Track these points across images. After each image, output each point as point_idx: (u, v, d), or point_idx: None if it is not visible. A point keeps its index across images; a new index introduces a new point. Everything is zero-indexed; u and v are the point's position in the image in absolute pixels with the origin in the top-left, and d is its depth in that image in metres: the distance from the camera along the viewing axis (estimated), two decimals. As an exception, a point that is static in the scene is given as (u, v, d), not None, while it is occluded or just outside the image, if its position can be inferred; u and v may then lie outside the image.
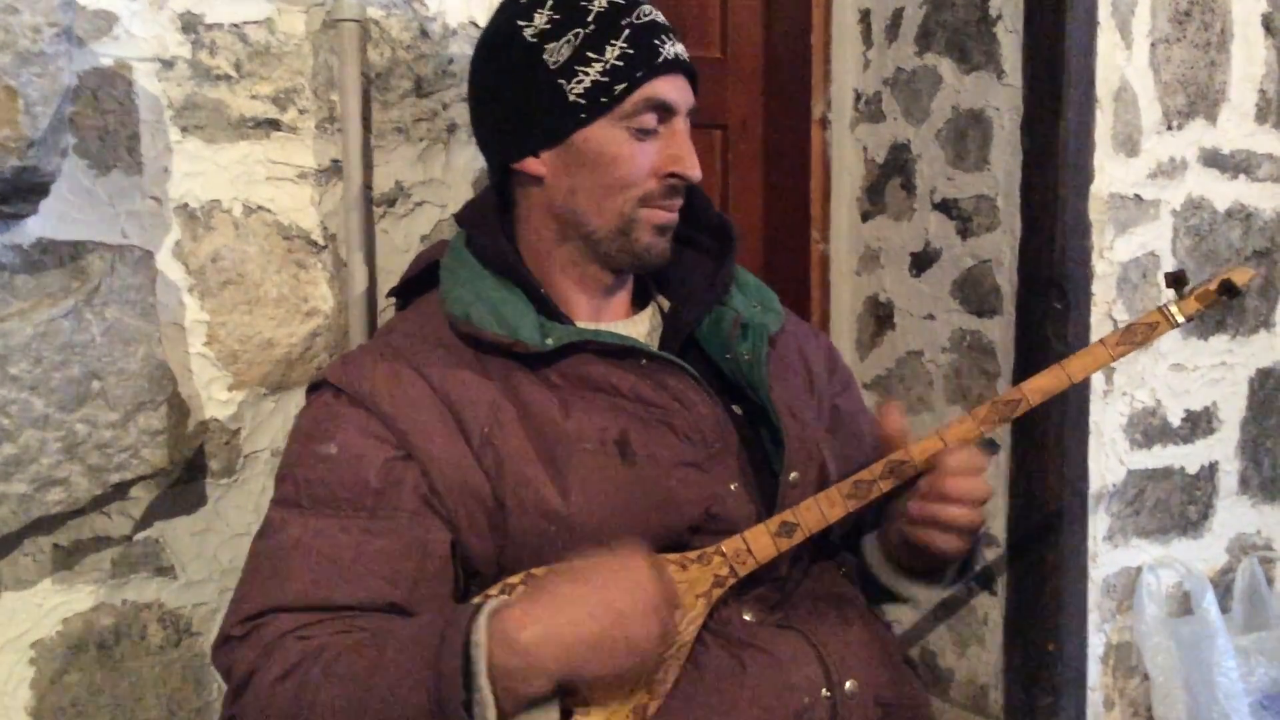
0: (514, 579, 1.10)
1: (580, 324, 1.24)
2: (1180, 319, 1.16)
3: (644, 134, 1.21)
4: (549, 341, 1.16)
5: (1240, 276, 1.15)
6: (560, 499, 1.12)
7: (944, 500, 1.13)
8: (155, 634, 1.42)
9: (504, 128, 1.25)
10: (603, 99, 1.19)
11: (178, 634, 1.43)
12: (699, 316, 1.28)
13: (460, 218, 1.31)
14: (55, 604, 1.36)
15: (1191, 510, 2.19)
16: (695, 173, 1.22)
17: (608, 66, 1.19)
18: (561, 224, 1.24)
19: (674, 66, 1.22)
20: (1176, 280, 1.17)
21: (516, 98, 1.23)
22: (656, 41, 1.21)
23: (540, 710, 0.98)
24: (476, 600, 1.08)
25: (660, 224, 1.23)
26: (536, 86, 1.21)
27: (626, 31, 1.20)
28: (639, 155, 1.20)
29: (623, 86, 1.19)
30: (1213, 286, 1.16)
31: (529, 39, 1.21)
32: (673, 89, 1.22)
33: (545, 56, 1.20)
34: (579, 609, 0.98)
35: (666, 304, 1.33)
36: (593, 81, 1.19)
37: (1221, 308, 2.14)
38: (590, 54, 1.19)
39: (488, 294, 1.20)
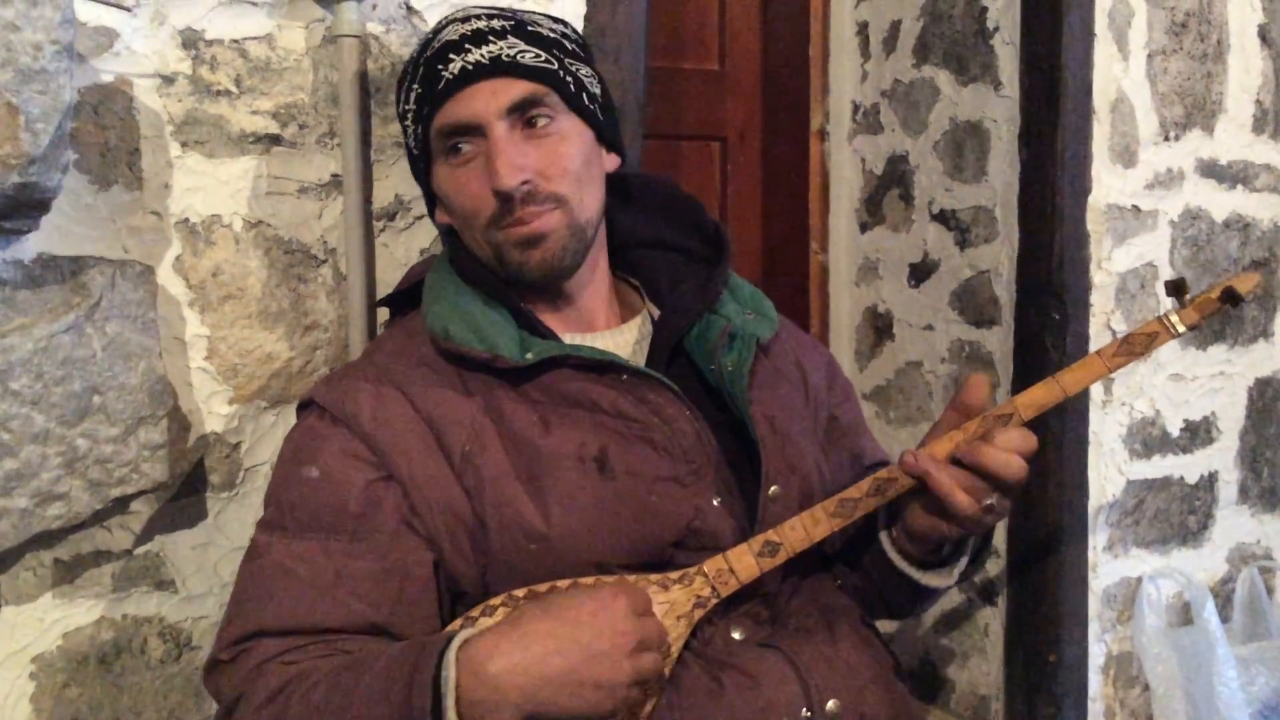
0: (495, 600, 1.09)
1: (565, 338, 1.23)
2: (1180, 329, 1.11)
3: (455, 156, 1.18)
4: (528, 356, 1.15)
5: (1243, 284, 1.11)
6: (540, 518, 1.11)
7: (969, 467, 1.10)
8: (156, 648, 1.42)
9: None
10: (416, 146, 1.23)
11: (178, 648, 1.43)
12: (686, 326, 1.26)
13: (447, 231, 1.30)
14: (56, 618, 1.36)
15: (1191, 520, 2.19)
16: (503, 181, 1.13)
17: (408, 112, 1.22)
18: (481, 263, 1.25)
19: (461, 82, 1.16)
20: (1177, 288, 1.12)
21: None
22: (440, 66, 1.17)
23: None
24: (452, 627, 1.08)
25: (518, 239, 1.17)
26: (408, 157, 1.28)
27: (421, 69, 1.20)
28: (467, 183, 1.18)
29: (419, 129, 1.21)
30: (1214, 295, 1.11)
31: (400, 120, 1.28)
32: (465, 105, 1.16)
33: (401, 127, 1.27)
34: (548, 644, 0.97)
35: (657, 312, 1.31)
36: (412, 132, 1.23)
37: (1223, 316, 2.15)
38: (404, 105, 1.23)
39: (469, 310, 1.19)
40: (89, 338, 1.28)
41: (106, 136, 1.33)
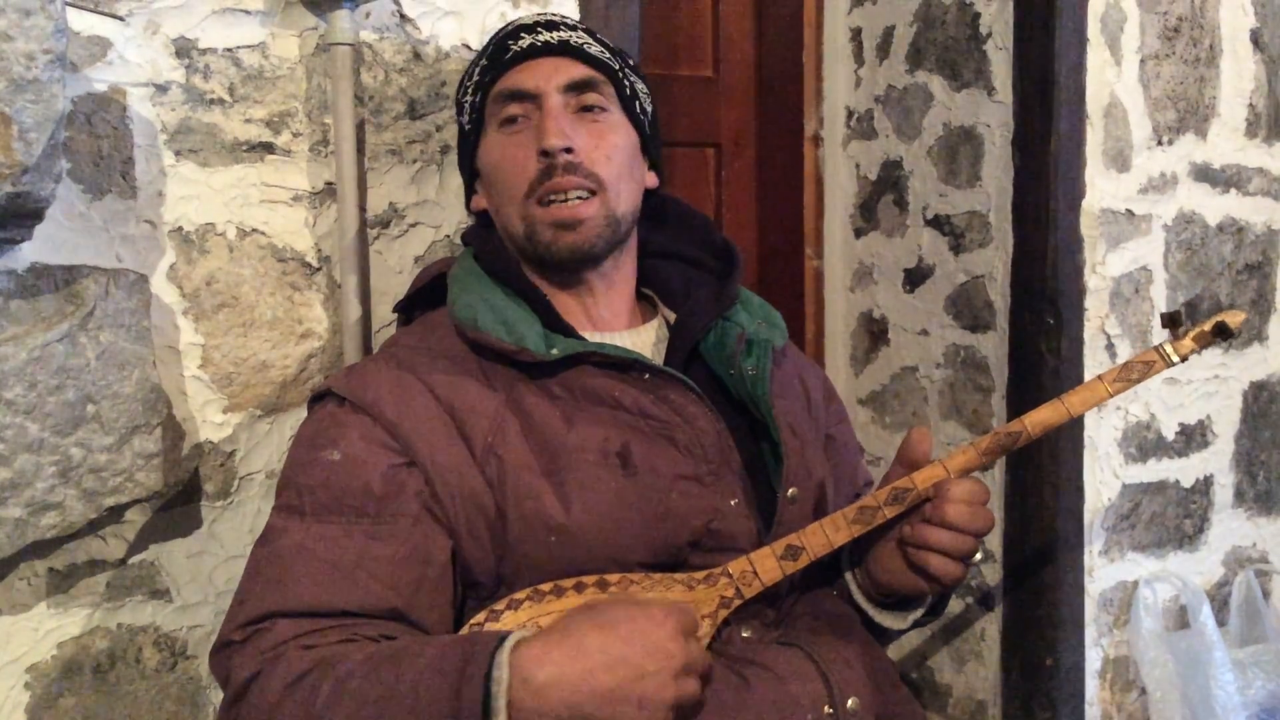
0: (520, 595, 1.09)
1: (586, 335, 1.24)
2: (1176, 359, 1.19)
3: (510, 124, 1.25)
4: (554, 351, 1.17)
5: (1233, 319, 1.19)
6: (561, 510, 1.12)
7: (943, 526, 1.13)
8: (150, 657, 1.42)
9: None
10: (474, 115, 1.29)
11: (173, 657, 1.43)
12: (704, 328, 1.29)
13: (466, 237, 1.34)
14: (50, 628, 1.36)
15: (1187, 524, 2.19)
16: (550, 140, 1.20)
17: (472, 85, 1.29)
18: (512, 245, 1.28)
19: (528, 54, 1.24)
20: (1173, 320, 1.20)
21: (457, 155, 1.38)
22: (510, 42, 1.26)
23: None
24: (477, 619, 1.08)
25: (554, 220, 1.22)
26: (458, 137, 1.36)
27: (491, 47, 1.29)
28: (514, 149, 1.24)
29: (479, 96, 1.27)
30: (1207, 328, 1.19)
31: (457, 103, 1.35)
32: (528, 75, 1.24)
33: (457, 109, 1.34)
34: (597, 659, 0.96)
35: (673, 317, 1.34)
36: (469, 104, 1.30)
37: (1215, 347, 2.16)
38: (466, 84, 1.31)
39: (495, 303, 1.21)
40: (83, 347, 1.28)
41: (100, 145, 1.33)
